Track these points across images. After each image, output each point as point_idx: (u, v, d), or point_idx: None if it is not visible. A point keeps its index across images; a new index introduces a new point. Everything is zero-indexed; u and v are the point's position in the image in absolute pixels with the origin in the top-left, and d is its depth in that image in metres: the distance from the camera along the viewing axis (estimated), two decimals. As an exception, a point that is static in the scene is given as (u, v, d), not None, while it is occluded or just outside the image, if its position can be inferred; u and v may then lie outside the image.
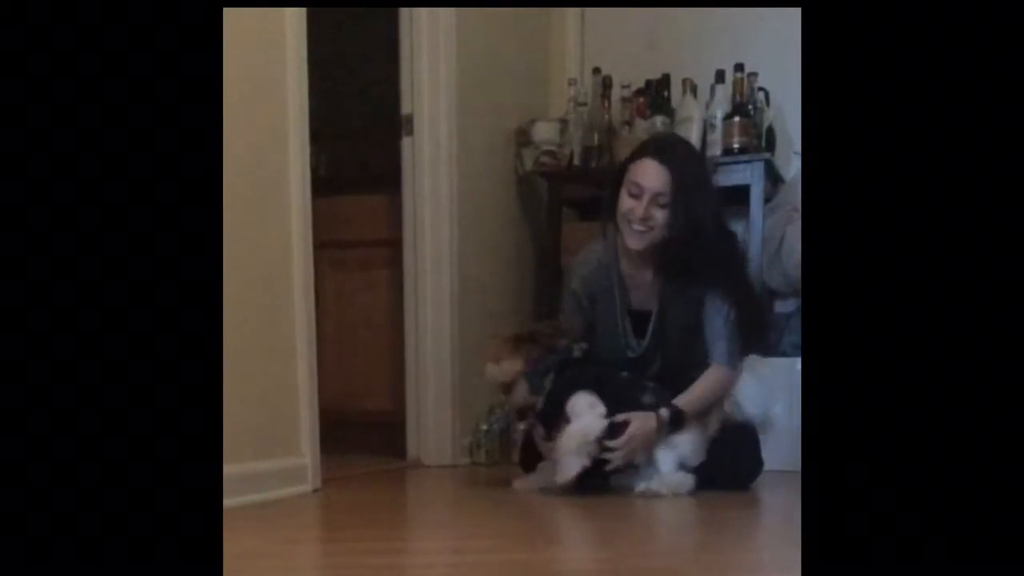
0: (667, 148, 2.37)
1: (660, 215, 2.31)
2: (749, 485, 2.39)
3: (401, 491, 2.57)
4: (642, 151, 2.37)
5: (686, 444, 2.31)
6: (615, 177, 2.41)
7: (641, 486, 2.28)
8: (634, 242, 2.35)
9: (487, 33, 3.11)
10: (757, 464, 2.41)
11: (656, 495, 2.25)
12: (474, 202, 3.03)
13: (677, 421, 2.31)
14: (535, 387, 2.32)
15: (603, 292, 2.46)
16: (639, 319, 2.46)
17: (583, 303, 2.48)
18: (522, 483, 2.43)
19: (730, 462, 2.35)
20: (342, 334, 3.18)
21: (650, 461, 2.31)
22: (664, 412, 2.29)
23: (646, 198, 2.31)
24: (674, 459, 2.30)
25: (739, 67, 2.96)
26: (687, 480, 2.29)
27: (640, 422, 2.27)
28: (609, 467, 2.29)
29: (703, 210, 2.31)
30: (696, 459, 2.32)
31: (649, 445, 2.29)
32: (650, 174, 2.31)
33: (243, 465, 2.05)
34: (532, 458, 2.48)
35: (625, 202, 2.34)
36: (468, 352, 2.98)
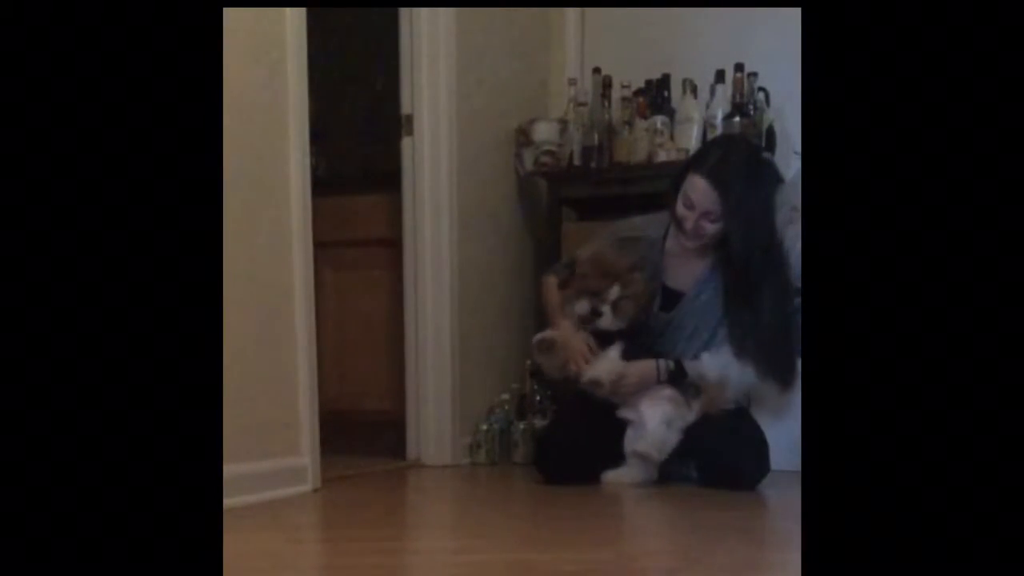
0: (722, 167, 2.37)
1: (710, 227, 2.39)
2: (754, 486, 2.38)
3: (401, 491, 2.56)
4: (696, 165, 2.41)
5: (672, 403, 2.38)
6: (679, 173, 2.46)
7: (629, 449, 2.39)
8: (687, 242, 2.44)
9: (487, 33, 3.10)
10: (763, 466, 2.40)
11: (647, 457, 2.35)
12: (474, 202, 3.03)
13: (678, 376, 2.41)
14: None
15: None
16: (669, 297, 2.50)
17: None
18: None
19: (735, 463, 2.35)
20: (342, 334, 3.17)
21: (640, 421, 2.38)
22: (663, 363, 2.41)
23: (696, 213, 2.38)
24: (660, 415, 2.37)
25: (739, 67, 2.96)
26: (671, 437, 2.36)
27: (640, 365, 2.40)
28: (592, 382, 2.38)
29: (756, 228, 2.37)
30: (680, 419, 2.38)
31: (642, 386, 2.39)
32: (700, 190, 2.37)
33: (243, 465, 2.05)
34: (551, 461, 2.48)
35: (679, 208, 2.42)
36: (468, 352, 2.98)
